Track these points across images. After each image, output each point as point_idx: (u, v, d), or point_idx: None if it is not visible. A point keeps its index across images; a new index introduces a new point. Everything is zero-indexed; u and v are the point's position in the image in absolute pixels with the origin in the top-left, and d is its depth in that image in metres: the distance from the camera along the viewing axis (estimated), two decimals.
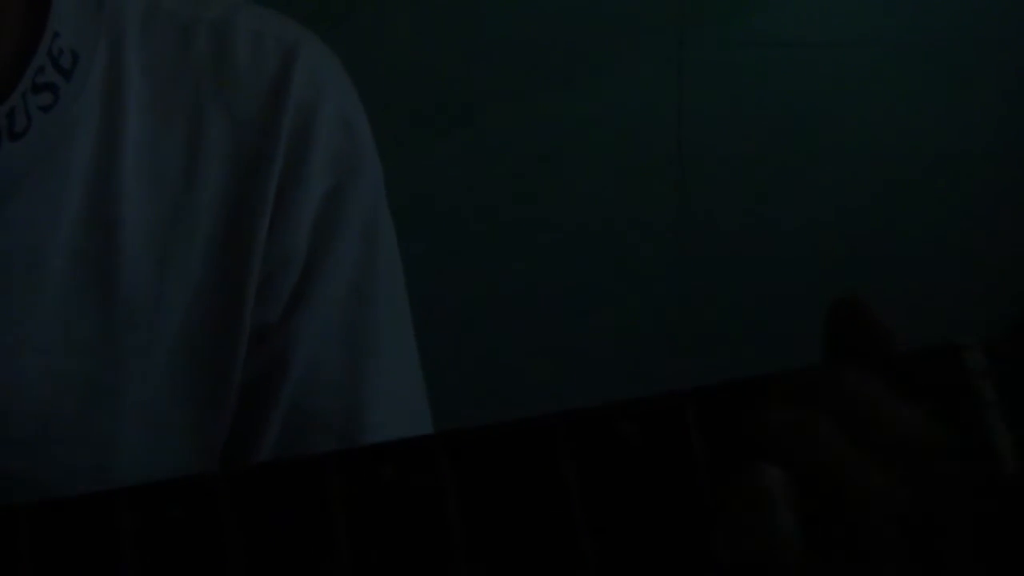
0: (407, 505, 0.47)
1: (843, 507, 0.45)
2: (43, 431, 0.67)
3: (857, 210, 1.87)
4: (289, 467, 0.48)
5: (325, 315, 0.71)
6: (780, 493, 0.45)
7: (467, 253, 1.84)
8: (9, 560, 0.48)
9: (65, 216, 0.67)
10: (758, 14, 1.85)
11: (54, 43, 0.66)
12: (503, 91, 1.85)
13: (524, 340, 1.85)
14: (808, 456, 0.45)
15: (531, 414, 0.47)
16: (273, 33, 0.73)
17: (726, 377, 0.48)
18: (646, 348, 1.84)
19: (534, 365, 1.83)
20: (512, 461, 0.47)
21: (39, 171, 0.66)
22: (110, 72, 0.69)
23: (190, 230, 0.69)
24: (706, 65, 1.85)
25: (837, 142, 1.87)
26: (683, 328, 1.86)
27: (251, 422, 0.70)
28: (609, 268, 1.86)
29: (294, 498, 0.47)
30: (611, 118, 1.85)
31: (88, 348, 0.67)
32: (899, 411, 0.46)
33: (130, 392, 0.68)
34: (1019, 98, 1.88)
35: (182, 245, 0.69)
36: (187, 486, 0.48)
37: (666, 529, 0.46)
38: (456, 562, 0.46)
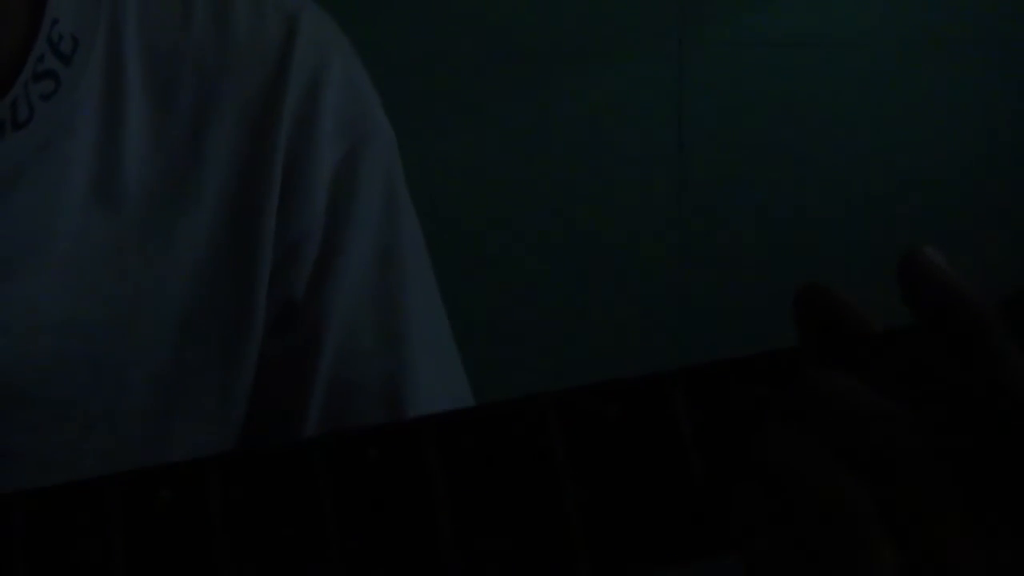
0: (394, 487, 0.47)
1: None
2: (51, 412, 0.67)
3: (857, 209, 1.87)
4: (275, 450, 0.48)
5: (354, 282, 0.70)
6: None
7: (465, 249, 1.84)
8: (2, 546, 0.48)
9: (69, 200, 0.67)
10: (758, 14, 1.85)
11: (53, 29, 0.66)
12: (502, 89, 1.85)
13: (523, 337, 1.85)
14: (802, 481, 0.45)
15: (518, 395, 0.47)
16: (272, 1, 0.72)
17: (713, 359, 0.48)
18: (646, 346, 1.84)
19: (533, 363, 1.83)
20: (500, 442, 0.47)
21: (42, 158, 0.66)
22: (110, 54, 0.68)
23: (196, 208, 0.68)
24: (706, 65, 1.86)
25: (837, 142, 1.87)
26: (683, 326, 1.86)
27: (293, 399, 0.69)
28: (609, 266, 1.86)
29: (281, 481, 0.47)
30: (611, 117, 1.85)
31: (94, 329, 0.67)
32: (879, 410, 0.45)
33: (137, 372, 0.68)
34: (1021, 97, 1.88)
35: (187, 224, 0.68)
36: (175, 470, 0.48)
37: (655, 509, 0.46)
38: (444, 543, 0.46)
